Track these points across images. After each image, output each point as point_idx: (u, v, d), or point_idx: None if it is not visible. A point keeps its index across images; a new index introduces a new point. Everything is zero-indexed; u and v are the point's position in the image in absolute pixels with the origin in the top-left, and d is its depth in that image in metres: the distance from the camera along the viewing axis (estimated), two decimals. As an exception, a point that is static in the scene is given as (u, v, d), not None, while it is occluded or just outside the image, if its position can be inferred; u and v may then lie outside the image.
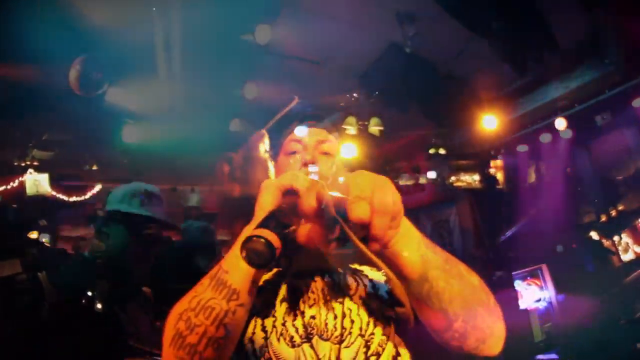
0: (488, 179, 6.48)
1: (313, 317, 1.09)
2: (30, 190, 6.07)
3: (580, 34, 4.54)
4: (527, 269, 4.28)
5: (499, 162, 6.67)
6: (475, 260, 6.18)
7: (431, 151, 6.59)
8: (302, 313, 1.09)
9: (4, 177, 6.38)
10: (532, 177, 6.60)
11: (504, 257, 5.53)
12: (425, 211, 7.56)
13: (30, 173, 6.07)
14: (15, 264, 3.39)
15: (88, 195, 7.45)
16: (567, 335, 3.71)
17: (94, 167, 6.05)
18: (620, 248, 4.80)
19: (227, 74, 4.59)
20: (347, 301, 1.10)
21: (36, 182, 6.10)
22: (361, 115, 5.43)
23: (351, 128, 5.26)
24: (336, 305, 1.10)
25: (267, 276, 1.15)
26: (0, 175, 6.39)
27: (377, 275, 1.16)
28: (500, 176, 6.61)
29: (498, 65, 4.46)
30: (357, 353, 1.05)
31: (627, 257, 4.73)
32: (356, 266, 1.18)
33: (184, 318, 0.93)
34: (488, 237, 6.25)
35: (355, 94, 5.24)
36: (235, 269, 0.94)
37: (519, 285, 4.14)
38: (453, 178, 6.48)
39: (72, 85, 3.99)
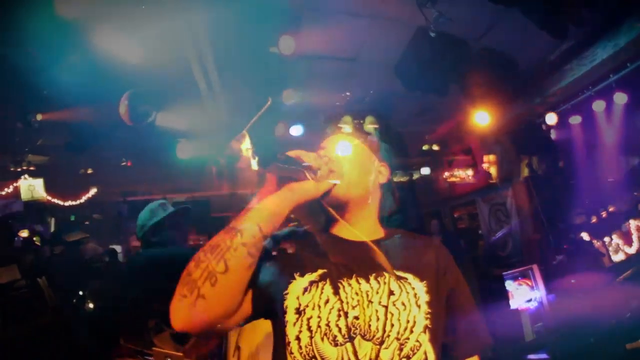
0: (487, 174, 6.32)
1: (357, 318, 1.17)
2: (24, 195, 6.08)
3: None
4: (517, 269, 4.27)
5: (491, 157, 6.71)
6: (534, 245, 5.91)
7: (425, 147, 6.53)
8: (346, 314, 1.17)
9: (-1, 182, 6.41)
10: (525, 172, 6.43)
11: (565, 240, 5.32)
12: (481, 195, 7.36)
13: (25, 178, 6.07)
14: (13, 270, 3.65)
15: (83, 199, 7.58)
16: (558, 335, 3.68)
17: (89, 171, 6.06)
18: (610, 249, 4.89)
19: (264, 84, 4.74)
20: (390, 305, 1.19)
21: (31, 187, 6.09)
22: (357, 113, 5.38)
23: (347, 126, 5.20)
24: (379, 308, 1.18)
25: (312, 277, 1.22)
26: (-4, 181, 6.42)
27: (419, 285, 1.24)
28: (493, 171, 6.40)
29: (536, 33, 4.23)
30: (393, 354, 1.14)
31: (617, 257, 4.82)
32: (401, 273, 1.25)
33: (196, 258, 1.06)
34: (547, 220, 5.94)
35: (348, 93, 5.21)
36: (243, 214, 1.12)
37: (509, 285, 4.14)
38: (447, 173, 6.37)
39: (123, 117, 4.38)
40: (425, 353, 1.16)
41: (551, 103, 5.57)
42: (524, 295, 4.10)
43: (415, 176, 6.79)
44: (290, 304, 1.19)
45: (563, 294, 4.12)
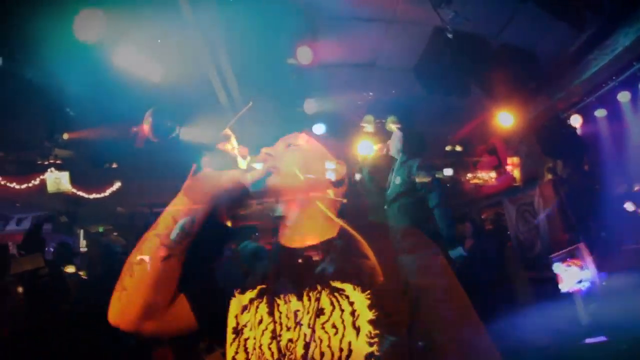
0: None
1: (291, 341, 0.98)
2: (51, 187, 6.13)
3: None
4: (565, 250, 4.01)
5: (515, 160, 6.58)
6: (564, 245, 5.71)
7: (448, 148, 6.43)
8: (279, 336, 1.00)
9: (26, 175, 6.62)
10: (548, 176, 6.25)
11: (596, 239, 5.04)
12: (508, 195, 7.17)
13: (51, 171, 6.13)
14: (38, 259, 3.73)
15: (107, 192, 7.72)
16: (614, 315, 3.37)
17: (114, 165, 6.13)
18: (658, 218, 4.40)
19: (283, 94, 4.78)
20: (318, 329, 0.96)
21: (57, 179, 6.14)
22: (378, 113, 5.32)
23: (368, 126, 5.13)
24: (307, 332, 0.97)
25: (252, 294, 1.10)
26: (22, 174, 6.65)
27: (359, 298, 0.96)
28: (517, 173, 6.41)
29: (554, 25, 4.14)
30: None
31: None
32: (337, 284, 1.00)
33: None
34: (578, 219, 5.67)
35: (371, 93, 5.16)
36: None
37: (558, 267, 3.87)
38: (470, 175, 6.28)
39: (148, 134, 4.48)
40: None
41: (574, 97, 5.38)
42: (574, 276, 3.87)
43: (439, 175, 6.69)
44: (229, 322, 1.08)
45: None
